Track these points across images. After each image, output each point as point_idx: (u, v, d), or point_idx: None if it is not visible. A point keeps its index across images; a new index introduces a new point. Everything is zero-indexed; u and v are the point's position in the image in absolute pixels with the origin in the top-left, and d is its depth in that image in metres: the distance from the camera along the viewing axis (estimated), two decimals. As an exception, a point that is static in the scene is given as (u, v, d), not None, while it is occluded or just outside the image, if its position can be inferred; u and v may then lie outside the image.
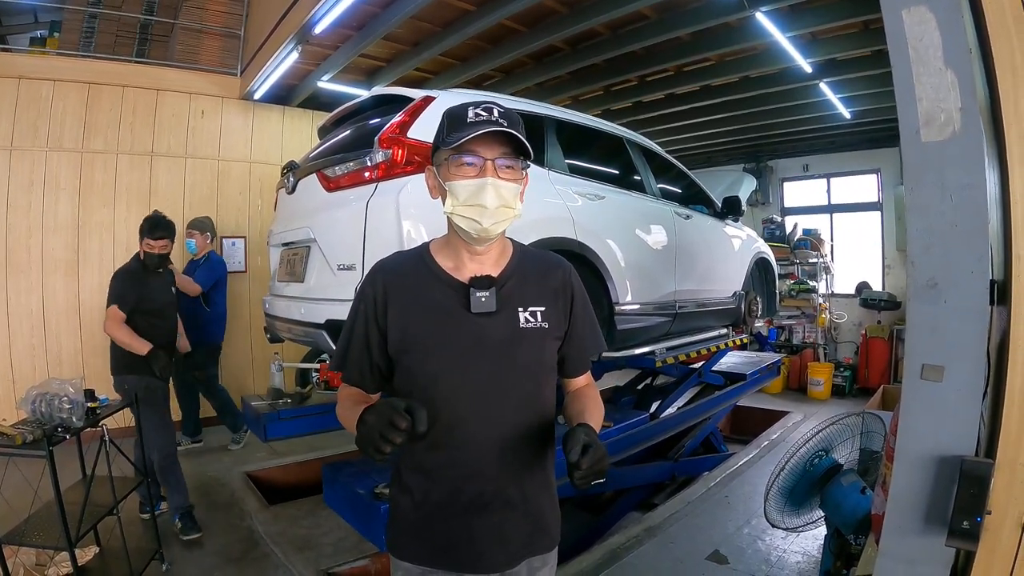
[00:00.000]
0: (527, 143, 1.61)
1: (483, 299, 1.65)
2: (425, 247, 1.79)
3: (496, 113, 1.59)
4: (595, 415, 1.81)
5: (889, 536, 1.98)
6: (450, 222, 1.67)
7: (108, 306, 4.48)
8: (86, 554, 3.86)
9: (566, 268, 1.85)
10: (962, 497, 1.77)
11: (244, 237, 8.08)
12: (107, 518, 3.72)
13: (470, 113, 1.59)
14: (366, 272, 1.79)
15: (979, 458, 1.81)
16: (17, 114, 6.66)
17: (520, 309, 1.70)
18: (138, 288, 4.57)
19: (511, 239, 1.82)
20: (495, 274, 1.71)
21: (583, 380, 1.95)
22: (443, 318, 1.66)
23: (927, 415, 1.88)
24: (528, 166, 1.68)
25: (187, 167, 7.69)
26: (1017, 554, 1.81)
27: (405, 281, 1.70)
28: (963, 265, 1.81)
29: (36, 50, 7.95)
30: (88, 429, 3.52)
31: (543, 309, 1.73)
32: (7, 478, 3.23)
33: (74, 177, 6.96)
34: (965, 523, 1.76)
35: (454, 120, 1.61)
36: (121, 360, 4.55)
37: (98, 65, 7.25)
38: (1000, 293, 1.83)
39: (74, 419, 3.34)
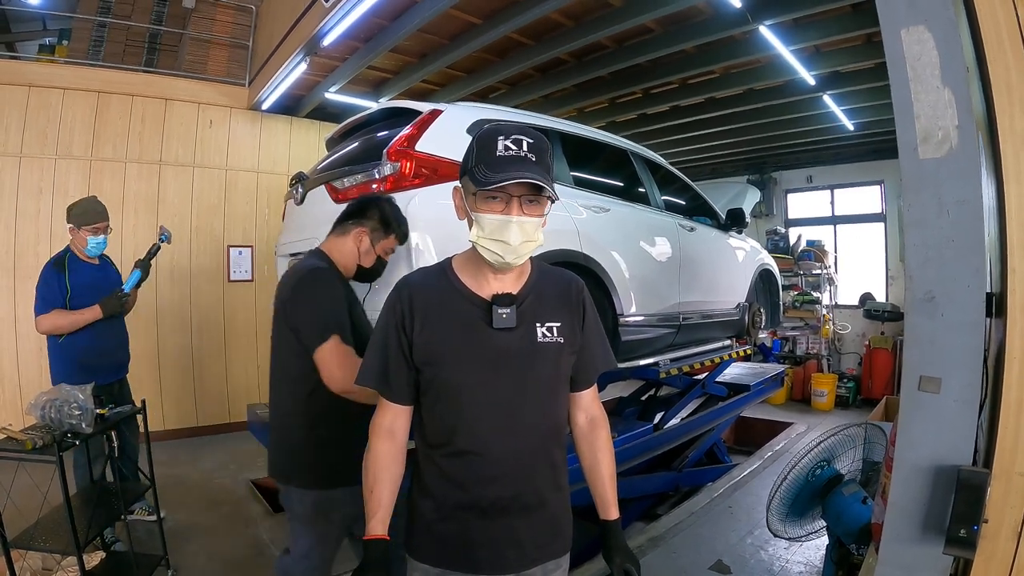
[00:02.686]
0: (552, 187, 1.65)
1: (504, 315, 1.72)
2: (448, 263, 1.85)
3: (526, 147, 1.63)
4: (613, 481, 1.99)
5: (888, 544, 2.01)
6: (475, 246, 1.72)
7: (326, 338, 2.49)
8: (92, 559, 3.89)
9: (579, 285, 1.92)
10: (959, 506, 1.80)
11: (251, 246, 8.14)
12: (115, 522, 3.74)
13: (499, 145, 1.62)
14: (378, 288, 1.83)
15: (976, 468, 1.84)
16: (27, 122, 6.74)
17: (538, 324, 1.77)
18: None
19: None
20: (515, 291, 1.77)
21: (589, 395, 2.00)
22: (466, 332, 1.73)
23: (925, 426, 1.91)
24: (553, 201, 1.73)
25: (195, 176, 7.76)
26: (1014, 562, 1.84)
27: (430, 295, 1.76)
28: (960, 279, 1.84)
29: (45, 58, 8.04)
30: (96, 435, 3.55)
31: (559, 324, 1.80)
32: (16, 482, 3.27)
33: (83, 185, 7.00)
34: (962, 531, 1.79)
35: (483, 151, 1.64)
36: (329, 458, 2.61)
37: (107, 74, 7.33)
38: (997, 305, 1.86)
39: (83, 425, 3.36)
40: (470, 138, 1.73)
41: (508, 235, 1.64)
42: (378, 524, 1.73)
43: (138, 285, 4.65)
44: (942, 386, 1.87)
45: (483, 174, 1.60)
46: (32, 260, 6.71)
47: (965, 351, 1.85)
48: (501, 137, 1.63)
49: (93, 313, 4.32)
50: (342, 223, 2.86)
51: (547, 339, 1.77)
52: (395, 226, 2.85)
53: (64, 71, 7.15)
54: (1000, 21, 1.83)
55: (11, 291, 6.70)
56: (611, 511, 1.95)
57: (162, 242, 4.79)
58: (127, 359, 4.77)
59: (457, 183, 1.77)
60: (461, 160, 1.75)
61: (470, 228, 1.70)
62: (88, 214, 4.39)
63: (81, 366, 4.26)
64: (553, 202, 1.72)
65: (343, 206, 3.50)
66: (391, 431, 1.80)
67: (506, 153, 1.61)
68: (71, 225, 4.39)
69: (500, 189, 1.62)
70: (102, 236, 4.46)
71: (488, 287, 1.76)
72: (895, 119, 1.94)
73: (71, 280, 4.34)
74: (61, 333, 4.30)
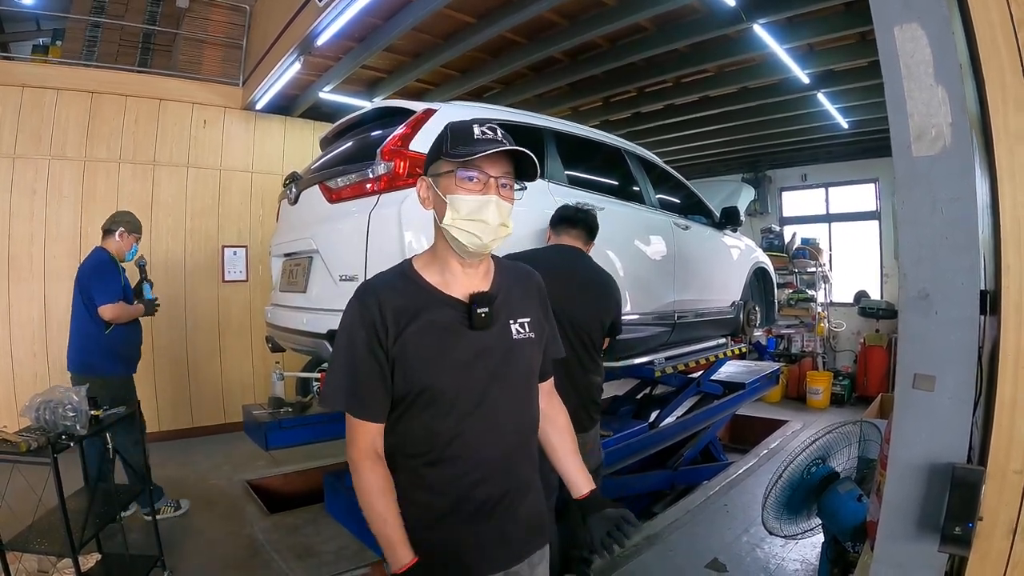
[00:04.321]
0: (535, 162, 1.66)
1: (483, 315, 1.69)
2: (408, 264, 1.79)
3: (500, 133, 1.64)
4: (579, 457, 2.01)
5: (883, 543, 2.01)
6: (443, 235, 1.69)
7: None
8: (88, 560, 3.87)
9: (537, 276, 1.94)
10: (954, 504, 1.80)
11: (245, 247, 8.12)
12: (109, 524, 3.73)
13: (476, 130, 1.63)
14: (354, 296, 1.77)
15: (971, 465, 1.84)
16: (20, 122, 6.71)
17: (511, 321, 1.76)
18: None
19: None
20: (485, 288, 1.75)
21: (548, 385, 2.02)
22: (443, 335, 1.68)
23: (919, 424, 1.91)
24: (524, 188, 1.73)
25: (189, 176, 7.73)
26: (1009, 559, 1.84)
27: (398, 300, 1.69)
28: (953, 276, 1.84)
29: (38, 58, 8.01)
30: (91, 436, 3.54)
31: (529, 320, 1.80)
32: (11, 484, 3.25)
33: (77, 185, 7.00)
34: (957, 529, 1.79)
35: (460, 134, 1.64)
36: None
37: (101, 74, 7.30)
38: (991, 303, 1.86)
39: (78, 427, 3.35)
40: None
41: (487, 214, 1.62)
42: (405, 550, 1.64)
43: None
44: (936, 384, 1.87)
45: (461, 151, 1.61)
46: (26, 261, 6.71)
47: (959, 349, 1.84)
48: (476, 124, 1.65)
49: (139, 310, 5.03)
50: (574, 226, 3.48)
51: (521, 335, 1.77)
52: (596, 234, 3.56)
53: (58, 71, 7.12)
54: (994, 18, 1.83)
55: (5, 292, 6.66)
56: (584, 484, 1.93)
57: (141, 266, 5.30)
58: None
59: (424, 175, 1.75)
60: (429, 151, 1.75)
61: (440, 216, 1.67)
62: (137, 224, 5.12)
63: (122, 356, 4.93)
64: (525, 188, 1.73)
65: (337, 206, 3.51)
66: (376, 452, 1.71)
67: (483, 136, 1.62)
68: (123, 229, 5.02)
69: (479, 168, 1.63)
70: (137, 245, 5.15)
71: (457, 286, 1.73)
72: (888, 117, 1.93)
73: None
74: (119, 322, 4.84)
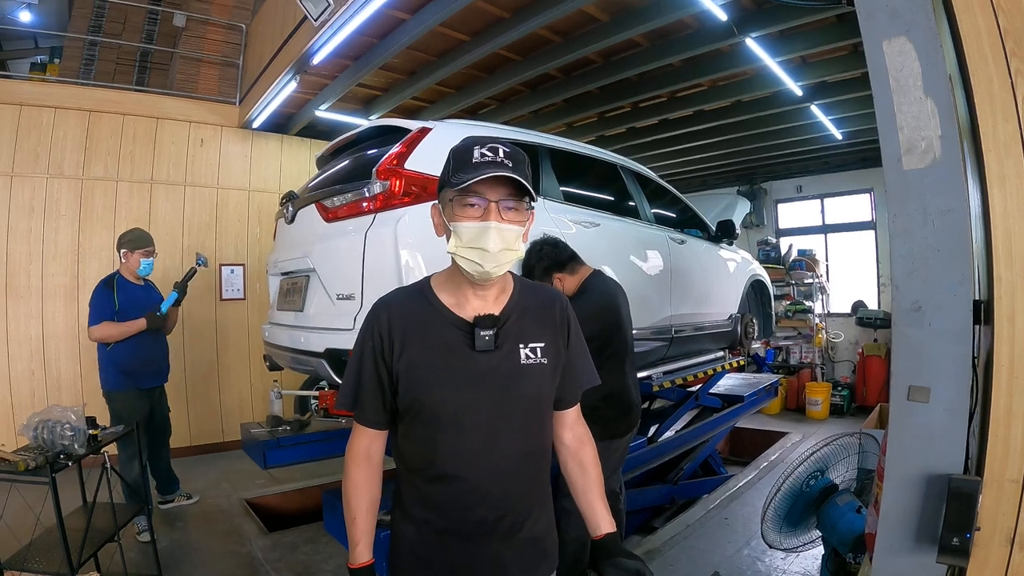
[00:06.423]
0: (530, 187, 1.62)
1: (486, 337, 1.67)
2: (426, 282, 1.81)
3: (501, 153, 1.61)
4: (604, 496, 1.92)
5: (881, 554, 2.01)
6: (453, 259, 1.69)
7: None
8: (86, 581, 3.87)
9: (563, 301, 1.89)
10: (951, 514, 1.80)
11: (243, 265, 8.13)
12: (108, 544, 3.72)
13: (475, 153, 1.60)
14: (369, 306, 1.81)
15: (967, 476, 1.84)
16: (18, 140, 6.74)
17: (521, 345, 1.73)
18: None
19: (510, 272, 1.82)
20: (497, 311, 1.73)
21: (574, 413, 1.96)
22: (447, 355, 1.68)
23: (915, 435, 1.91)
24: (532, 207, 1.70)
25: (186, 195, 7.75)
26: (1007, 569, 1.84)
27: (409, 317, 1.72)
28: (946, 288, 1.85)
29: (36, 76, 8.05)
30: (89, 456, 3.54)
31: (543, 345, 1.76)
32: (9, 503, 3.25)
33: (74, 203, 7.02)
34: (955, 540, 1.79)
35: (459, 160, 1.62)
36: None
37: (98, 93, 7.35)
38: (985, 313, 1.87)
39: (76, 446, 3.35)
40: None
41: (487, 241, 1.60)
42: (364, 550, 1.75)
43: (176, 304, 5.39)
44: (931, 395, 1.87)
45: (459, 178, 1.58)
46: (24, 279, 6.72)
47: (953, 360, 1.85)
48: (477, 146, 1.62)
49: (138, 325, 5.03)
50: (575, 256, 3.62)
51: (531, 360, 1.73)
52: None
53: (55, 90, 7.15)
54: (981, 30, 1.85)
55: (3, 310, 6.66)
56: (605, 524, 1.86)
57: (199, 266, 5.57)
58: (167, 368, 5.56)
59: (435, 202, 1.74)
60: (439, 177, 1.74)
61: (448, 242, 1.67)
62: (141, 240, 5.22)
63: (125, 371, 5.04)
64: (532, 207, 1.70)
65: (333, 225, 3.53)
66: (368, 455, 1.78)
67: (482, 159, 1.59)
68: (125, 250, 5.16)
69: (477, 193, 1.60)
70: (151, 259, 5.28)
71: (469, 306, 1.73)
72: (879, 130, 1.95)
73: (119, 297, 5.04)
74: (110, 342, 4.97)
